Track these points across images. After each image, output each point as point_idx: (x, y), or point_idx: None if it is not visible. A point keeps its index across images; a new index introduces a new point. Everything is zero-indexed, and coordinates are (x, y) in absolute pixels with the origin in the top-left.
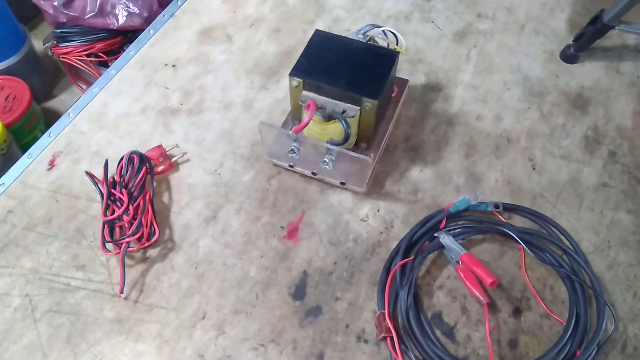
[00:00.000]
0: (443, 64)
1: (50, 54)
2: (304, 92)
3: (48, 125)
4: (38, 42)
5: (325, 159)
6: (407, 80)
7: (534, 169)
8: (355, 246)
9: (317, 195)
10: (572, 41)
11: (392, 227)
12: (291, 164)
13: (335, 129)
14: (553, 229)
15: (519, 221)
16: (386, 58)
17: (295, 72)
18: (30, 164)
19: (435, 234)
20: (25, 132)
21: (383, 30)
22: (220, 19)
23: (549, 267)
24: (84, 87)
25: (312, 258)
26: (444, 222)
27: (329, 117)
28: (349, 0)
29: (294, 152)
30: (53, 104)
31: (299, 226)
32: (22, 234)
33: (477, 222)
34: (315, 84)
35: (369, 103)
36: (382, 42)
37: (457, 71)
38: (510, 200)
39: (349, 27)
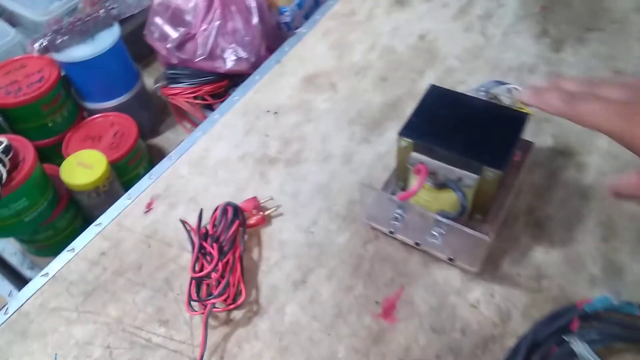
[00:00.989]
0: (575, 126)
1: (159, 94)
2: (414, 154)
3: (151, 162)
4: (149, 80)
5: (433, 232)
6: (532, 143)
7: None
8: (462, 338)
9: (420, 268)
10: None
11: (509, 319)
12: (392, 230)
13: (448, 198)
14: None
15: None
16: (513, 120)
17: (406, 131)
18: (128, 205)
19: (565, 337)
20: (129, 169)
21: (509, 88)
22: (326, 66)
23: None
24: (189, 126)
25: (411, 345)
26: (576, 322)
27: (442, 185)
28: (464, 50)
29: (397, 219)
30: (158, 141)
31: (397, 304)
32: (111, 278)
33: (619, 327)
34: (427, 146)
35: (491, 173)
36: (506, 101)
37: (591, 135)
38: None
39: (463, 79)
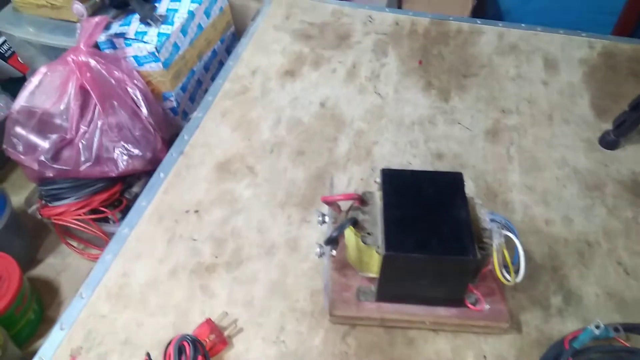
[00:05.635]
0: (486, 166)
1: (39, 217)
2: None
3: (40, 302)
4: (15, 199)
5: None
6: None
7: (627, 273)
8: None
9: (407, 349)
10: (612, 129)
11: None
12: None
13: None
14: None
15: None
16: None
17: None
18: None
19: None
20: (16, 319)
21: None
22: (236, 150)
23: None
24: (75, 244)
25: None
26: None
27: None
28: (367, 111)
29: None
30: (40, 271)
31: None
32: None
33: (607, 354)
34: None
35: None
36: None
37: (504, 172)
38: (620, 317)
39: (375, 139)
